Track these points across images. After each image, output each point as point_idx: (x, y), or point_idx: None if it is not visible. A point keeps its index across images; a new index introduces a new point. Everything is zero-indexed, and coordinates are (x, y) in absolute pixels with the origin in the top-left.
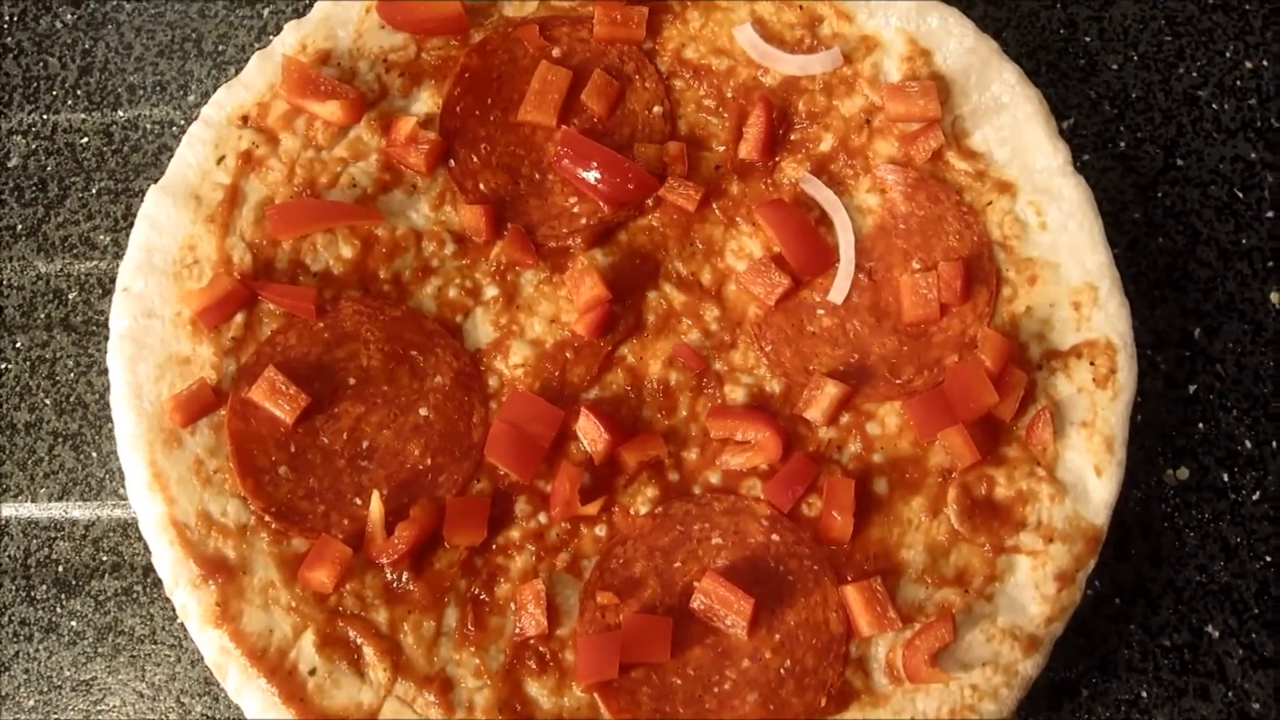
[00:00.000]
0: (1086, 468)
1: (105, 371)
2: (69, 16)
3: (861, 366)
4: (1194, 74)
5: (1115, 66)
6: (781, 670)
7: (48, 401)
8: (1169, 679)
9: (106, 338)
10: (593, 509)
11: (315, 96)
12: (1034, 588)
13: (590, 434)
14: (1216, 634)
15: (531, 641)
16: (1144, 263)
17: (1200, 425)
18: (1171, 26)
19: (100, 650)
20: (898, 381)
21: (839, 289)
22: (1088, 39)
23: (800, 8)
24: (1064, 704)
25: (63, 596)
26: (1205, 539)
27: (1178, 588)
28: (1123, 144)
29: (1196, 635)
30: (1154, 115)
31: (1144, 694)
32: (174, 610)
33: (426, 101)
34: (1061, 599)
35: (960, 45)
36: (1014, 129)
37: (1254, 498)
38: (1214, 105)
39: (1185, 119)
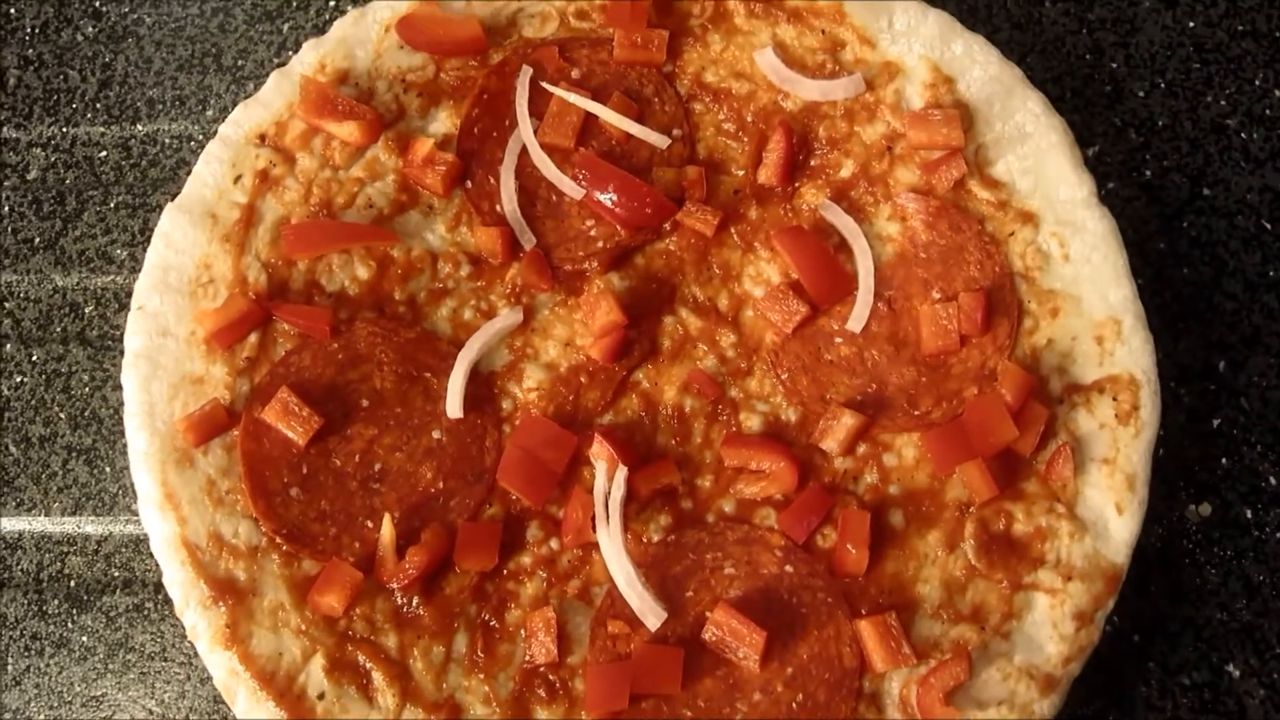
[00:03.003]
0: (1107, 505)
1: (120, 387)
2: (90, 30)
3: (879, 397)
4: (1222, 102)
5: (1142, 94)
6: (793, 704)
7: (62, 415)
8: (1188, 718)
9: (122, 353)
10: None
11: (333, 116)
12: (1052, 626)
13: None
14: (1237, 673)
15: (541, 669)
16: (1168, 293)
17: (1224, 460)
18: (1200, 53)
19: (111, 666)
20: (916, 413)
21: (857, 317)
22: (1114, 65)
23: (823, 33)
24: None
25: (74, 612)
26: (1227, 576)
27: (1198, 625)
28: (1149, 172)
29: (1217, 674)
30: (1181, 144)
31: None
32: (185, 628)
33: (444, 122)
34: (1080, 639)
35: (984, 73)
36: (1038, 159)
37: (1278, 535)
38: (1242, 134)
39: (1213, 148)
